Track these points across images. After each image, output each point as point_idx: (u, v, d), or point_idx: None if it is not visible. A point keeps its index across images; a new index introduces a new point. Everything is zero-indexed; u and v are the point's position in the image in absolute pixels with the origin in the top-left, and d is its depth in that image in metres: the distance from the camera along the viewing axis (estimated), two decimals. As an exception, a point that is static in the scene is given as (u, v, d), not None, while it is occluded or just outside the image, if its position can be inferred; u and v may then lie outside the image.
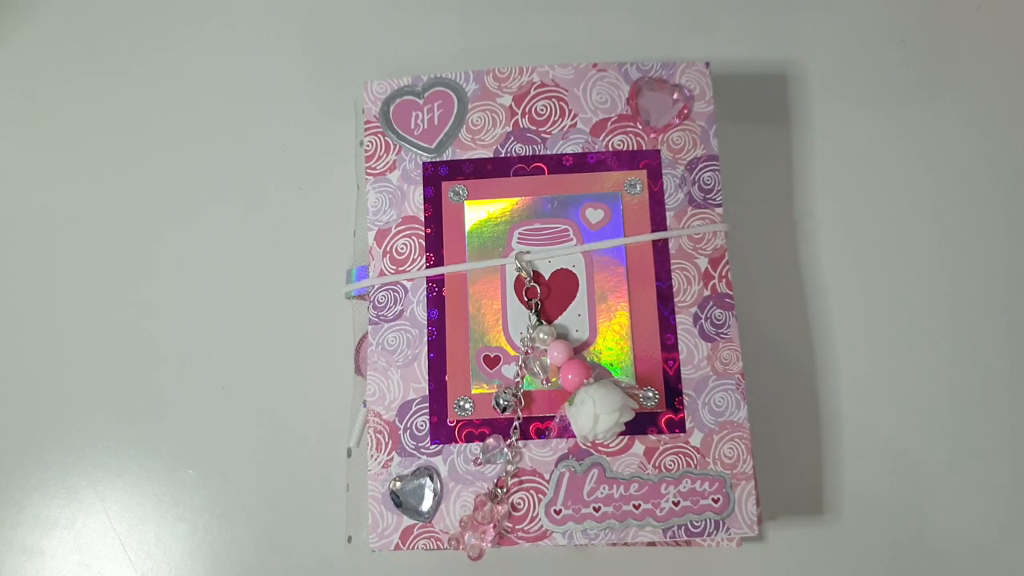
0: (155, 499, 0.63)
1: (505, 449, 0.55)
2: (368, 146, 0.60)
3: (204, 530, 0.62)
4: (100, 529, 0.63)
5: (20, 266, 0.67)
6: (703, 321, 0.57)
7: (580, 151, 0.59)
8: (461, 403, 0.56)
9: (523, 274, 0.57)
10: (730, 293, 0.57)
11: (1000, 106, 0.67)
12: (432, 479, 0.55)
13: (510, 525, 0.54)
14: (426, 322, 0.57)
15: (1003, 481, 0.61)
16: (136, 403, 0.64)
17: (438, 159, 0.59)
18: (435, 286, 0.57)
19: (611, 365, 0.56)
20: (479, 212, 0.58)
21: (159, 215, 0.67)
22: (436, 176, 0.59)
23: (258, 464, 0.63)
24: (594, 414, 0.52)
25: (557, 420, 0.55)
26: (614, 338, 0.56)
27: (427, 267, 0.58)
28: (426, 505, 0.55)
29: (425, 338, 0.57)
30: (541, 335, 0.56)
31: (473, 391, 0.56)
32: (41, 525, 0.63)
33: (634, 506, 0.54)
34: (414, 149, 0.59)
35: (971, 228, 0.65)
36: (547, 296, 0.57)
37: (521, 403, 0.56)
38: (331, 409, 0.62)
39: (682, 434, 0.55)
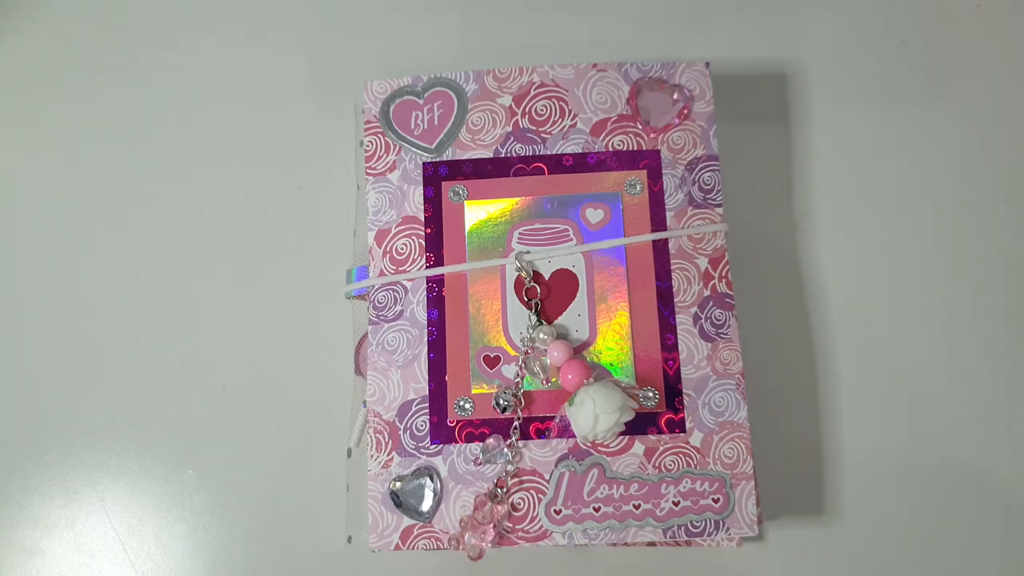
0: (155, 499, 0.63)
1: (505, 449, 0.55)
2: (368, 146, 0.60)
3: (204, 530, 0.62)
4: (100, 529, 0.63)
5: (20, 266, 0.67)
6: (703, 321, 0.57)
7: (580, 151, 0.59)
8: (461, 403, 0.56)
9: (523, 274, 0.57)
10: (730, 293, 0.57)
11: (1000, 106, 0.67)
12: (432, 479, 0.55)
13: (510, 525, 0.54)
14: (426, 322, 0.57)
15: (1003, 482, 0.61)
16: (136, 403, 0.64)
17: (438, 159, 0.59)
18: (435, 286, 0.58)
19: (611, 365, 0.56)
20: (479, 212, 0.58)
21: (159, 215, 0.67)
22: (436, 176, 0.59)
23: (258, 464, 0.63)
24: (594, 414, 0.52)
25: (557, 420, 0.55)
26: (614, 338, 0.56)
27: (427, 267, 0.58)
28: (426, 505, 0.55)
29: (425, 338, 0.57)
30: (541, 335, 0.56)
31: (473, 391, 0.56)
32: (41, 525, 0.63)
33: (634, 506, 0.54)
34: (414, 149, 0.59)
35: (970, 228, 0.65)
36: (547, 296, 0.57)
37: (521, 403, 0.56)
38: (331, 409, 0.62)
39: (682, 434, 0.55)
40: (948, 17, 0.68)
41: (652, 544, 0.59)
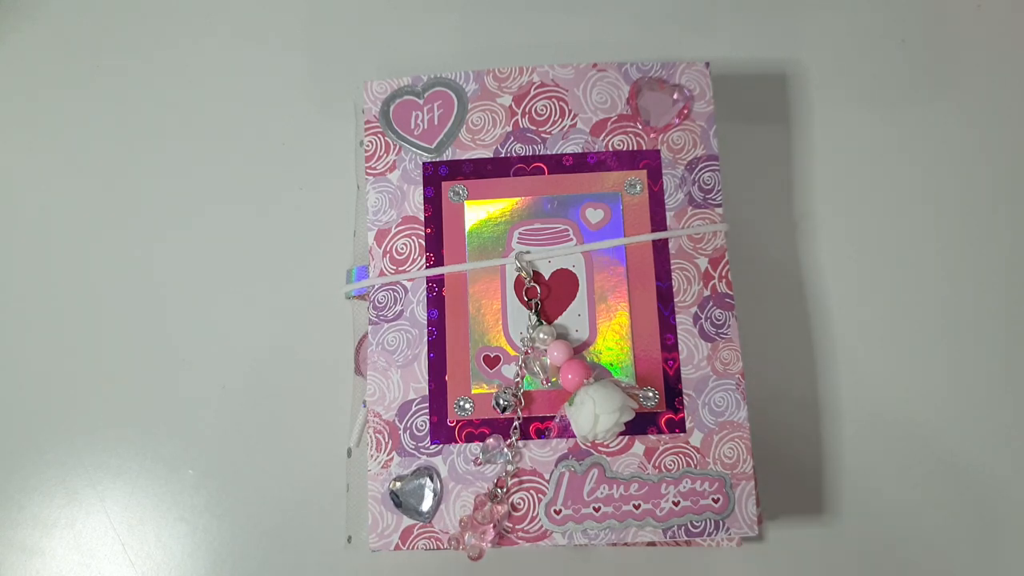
0: (155, 499, 0.63)
1: (505, 449, 0.55)
2: (368, 146, 0.60)
3: (204, 530, 0.62)
4: (100, 529, 0.63)
5: (20, 266, 0.67)
6: (703, 321, 0.57)
7: (580, 151, 0.59)
8: (461, 403, 0.56)
9: (523, 274, 0.57)
10: (730, 293, 0.57)
11: (1000, 106, 0.67)
12: (432, 479, 0.55)
13: (510, 525, 0.54)
14: (426, 322, 0.57)
15: (1003, 482, 0.61)
16: (136, 403, 0.64)
17: (438, 159, 0.59)
18: (435, 286, 0.57)
19: (611, 365, 0.56)
20: (479, 212, 0.58)
21: (159, 215, 0.67)
22: (436, 176, 0.59)
23: (258, 464, 0.63)
24: (594, 414, 0.52)
25: (557, 420, 0.55)
26: (614, 338, 0.56)
27: (427, 267, 0.58)
28: (426, 505, 0.55)
29: (425, 338, 0.57)
30: (541, 335, 0.56)
31: (473, 391, 0.56)
32: (41, 525, 0.63)
33: (634, 506, 0.54)
34: (414, 149, 0.59)
35: (970, 227, 0.65)
36: (547, 296, 0.57)
37: (521, 403, 0.56)
38: (331, 409, 0.62)
39: (682, 434, 0.55)
40: (948, 17, 0.68)
41: (652, 544, 0.59)
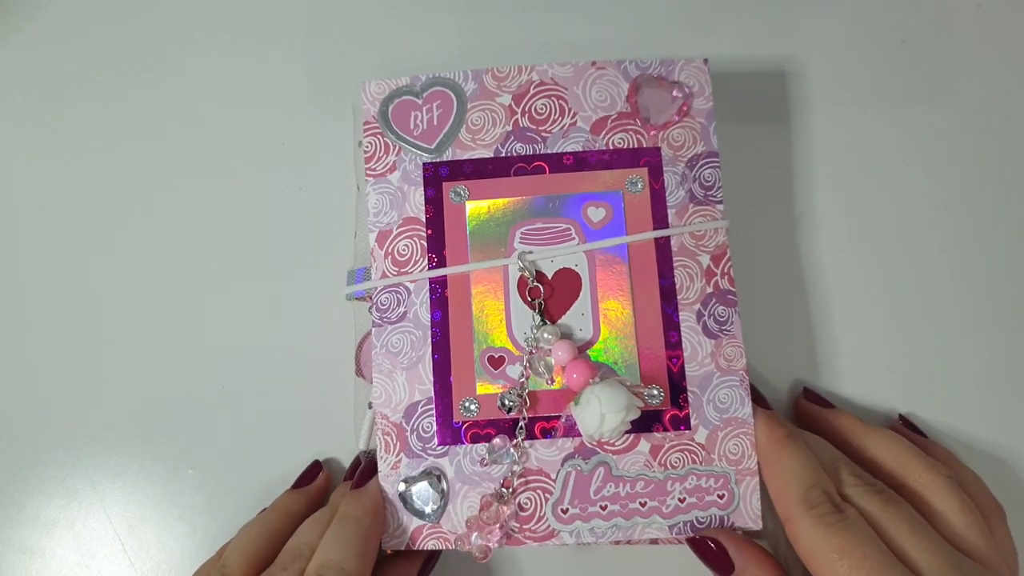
0: (155, 499, 0.63)
1: (511, 449, 0.55)
2: (367, 147, 0.59)
3: (204, 530, 0.62)
4: (100, 529, 0.63)
5: (20, 267, 0.67)
6: (706, 318, 0.57)
7: (580, 149, 0.59)
8: (466, 404, 0.56)
9: (526, 274, 0.57)
10: (732, 290, 0.57)
11: (1000, 106, 0.67)
12: (439, 480, 0.55)
13: (517, 525, 0.55)
14: (430, 323, 0.57)
15: (1004, 482, 0.61)
16: (136, 403, 0.64)
17: (438, 159, 0.59)
18: (438, 287, 0.57)
19: (615, 363, 0.56)
20: (480, 212, 0.58)
21: (159, 216, 0.67)
22: (437, 177, 0.59)
23: (258, 464, 0.63)
24: (600, 413, 0.52)
25: (563, 420, 0.56)
26: (618, 336, 0.57)
27: (429, 268, 0.58)
28: (433, 506, 0.55)
29: (429, 339, 0.57)
30: (545, 335, 0.56)
31: (478, 392, 0.56)
32: (41, 525, 0.63)
33: (640, 504, 0.55)
34: (414, 150, 0.59)
35: (971, 226, 0.65)
36: (550, 296, 0.57)
37: (526, 403, 0.56)
38: (331, 410, 0.62)
39: (687, 431, 0.56)
40: (948, 17, 0.68)
41: (655, 542, 0.59)
